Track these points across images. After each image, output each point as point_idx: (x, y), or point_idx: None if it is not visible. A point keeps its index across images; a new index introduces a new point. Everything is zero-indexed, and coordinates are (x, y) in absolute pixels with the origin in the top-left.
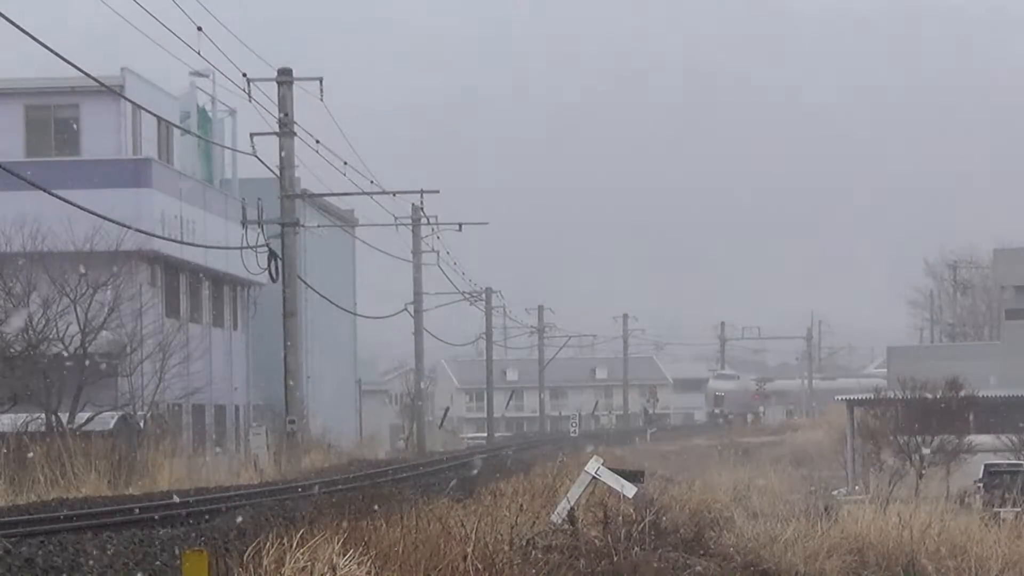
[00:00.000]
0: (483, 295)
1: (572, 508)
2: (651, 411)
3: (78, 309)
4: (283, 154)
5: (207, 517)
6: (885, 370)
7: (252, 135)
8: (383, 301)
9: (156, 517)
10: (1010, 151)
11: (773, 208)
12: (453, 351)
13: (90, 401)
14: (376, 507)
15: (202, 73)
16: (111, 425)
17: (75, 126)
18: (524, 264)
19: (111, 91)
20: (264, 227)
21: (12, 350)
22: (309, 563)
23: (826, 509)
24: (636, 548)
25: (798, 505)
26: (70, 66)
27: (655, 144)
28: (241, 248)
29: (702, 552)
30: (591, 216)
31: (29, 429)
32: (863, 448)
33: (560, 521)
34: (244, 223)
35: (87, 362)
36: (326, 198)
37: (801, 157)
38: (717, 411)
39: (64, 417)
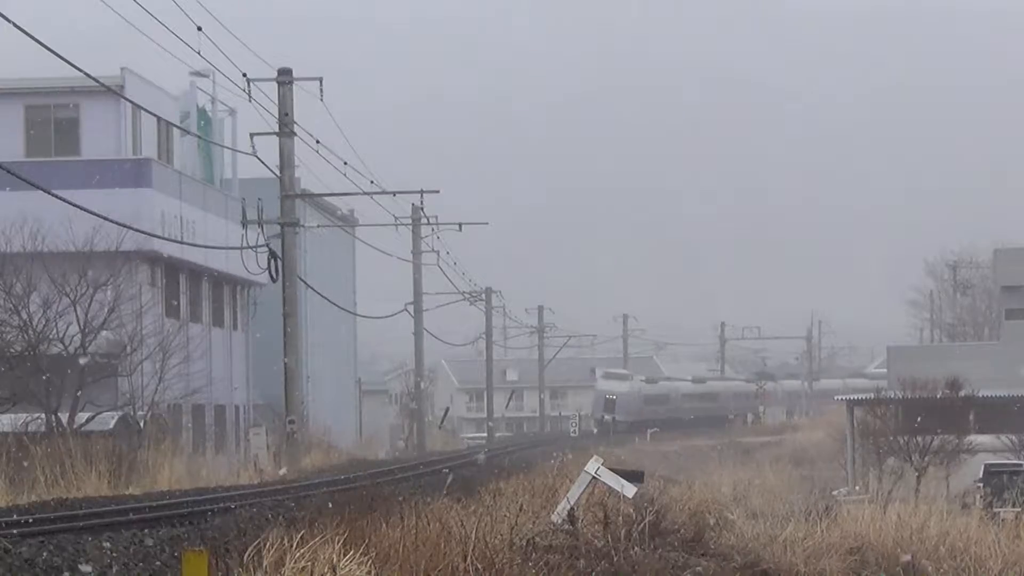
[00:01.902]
0: (483, 295)
1: (572, 508)
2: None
3: (78, 309)
4: (283, 154)
5: (207, 517)
6: (885, 370)
7: (252, 135)
8: (383, 301)
9: (151, 517)
10: (1010, 151)
11: (773, 208)
12: (453, 351)
13: (90, 401)
14: (375, 506)
15: (202, 73)
16: (111, 425)
17: (75, 126)
18: (524, 264)
19: (111, 91)
20: (264, 227)
21: (12, 350)
22: (309, 563)
23: (826, 509)
24: (636, 548)
25: (798, 505)
26: (70, 66)
27: (655, 144)
28: (241, 248)
29: (702, 552)
30: (591, 216)
31: (29, 429)
32: (863, 448)
33: (560, 521)
34: (244, 223)
35: (86, 360)
36: (326, 198)
37: (801, 157)
38: (608, 417)
39: (64, 417)
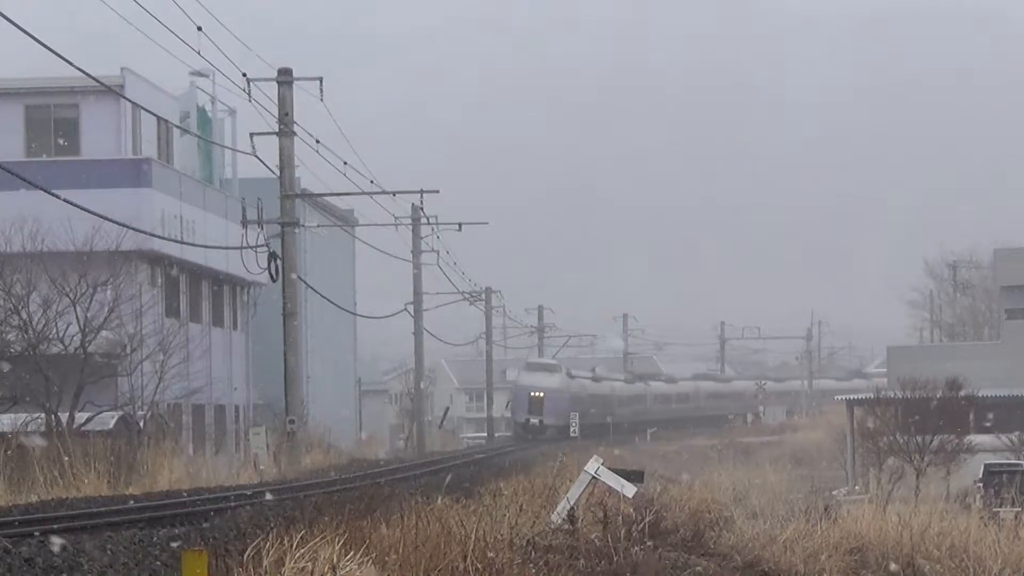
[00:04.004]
0: (483, 295)
1: (572, 508)
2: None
3: (78, 309)
4: (283, 154)
5: (207, 517)
6: (885, 370)
7: (252, 135)
8: (383, 301)
9: (151, 517)
10: (1010, 151)
11: (773, 208)
12: (453, 351)
13: (90, 401)
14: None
15: (202, 73)
16: (111, 425)
17: (75, 126)
18: (524, 264)
19: (111, 91)
20: (264, 227)
21: (12, 350)
22: (309, 563)
23: (826, 509)
24: (636, 548)
25: (798, 505)
26: (70, 66)
27: (655, 145)
28: (241, 248)
29: (702, 552)
30: (591, 216)
31: (29, 429)
32: (863, 448)
33: (560, 521)
34: (244, 223)
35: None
36: (326, 198)
37: (801, 157)
38: (534, 421)
39: (64, 417)
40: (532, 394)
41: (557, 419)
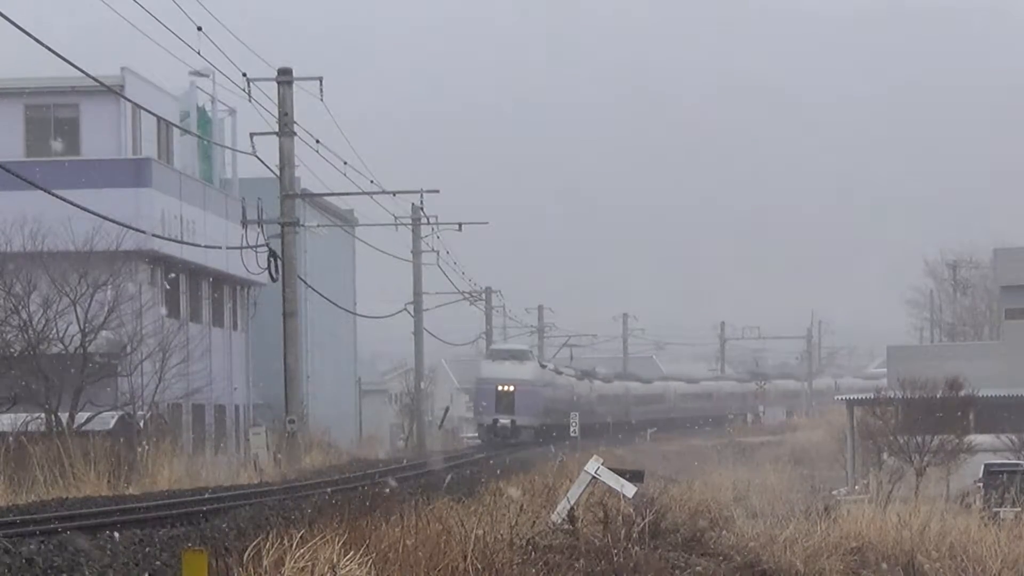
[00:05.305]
0: (483, 295)
1: (572, 508)
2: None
3: (78, 309)
4: (283, 154)
5: (207, 517)
6: (885, 370)
7: (252, 135)
8: (383, 301)
9: (151, 517)
10: (1009, 151)
11: (773, 208)
12: (453, 351)
13: (90, 401)
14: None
15: (202, 73)
16: (111, 425)
17: (75, 126)
18: (524, 264)
19: (111, 91)
20: (264, 227)
21: (12, 350)
22: (309, 563)
23: (826, 509)
24: (636, 548)
25: (798, 505)
26: (70, 66)
27: (655, 145)
28: (241, 248)
29: (702, 552)
30: (592, 216)
31: (29, 429)
32: (863, 448)
33: (560, 521)
34: (244, 223)
35: (88, 362)
36: (326, 198)
37: (801, 157)
38: (504, 421)
39: (64, 417)
40: (500, 388)
41: (532, 418)
